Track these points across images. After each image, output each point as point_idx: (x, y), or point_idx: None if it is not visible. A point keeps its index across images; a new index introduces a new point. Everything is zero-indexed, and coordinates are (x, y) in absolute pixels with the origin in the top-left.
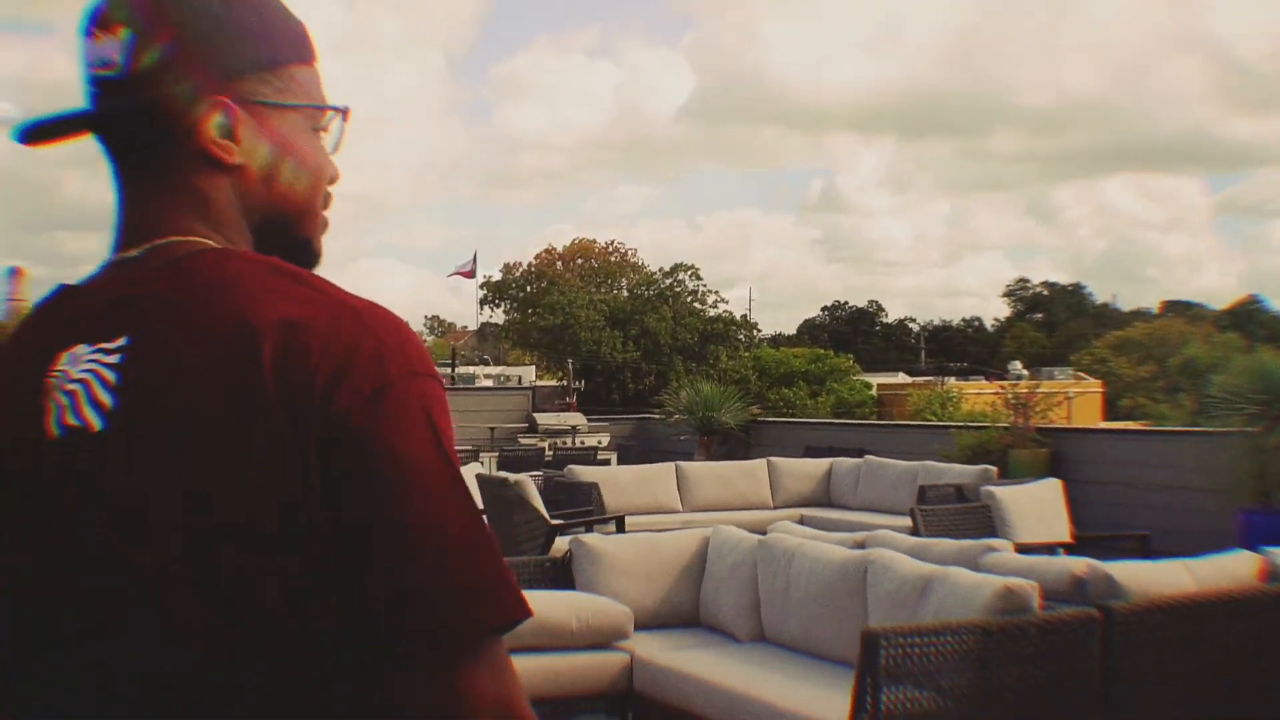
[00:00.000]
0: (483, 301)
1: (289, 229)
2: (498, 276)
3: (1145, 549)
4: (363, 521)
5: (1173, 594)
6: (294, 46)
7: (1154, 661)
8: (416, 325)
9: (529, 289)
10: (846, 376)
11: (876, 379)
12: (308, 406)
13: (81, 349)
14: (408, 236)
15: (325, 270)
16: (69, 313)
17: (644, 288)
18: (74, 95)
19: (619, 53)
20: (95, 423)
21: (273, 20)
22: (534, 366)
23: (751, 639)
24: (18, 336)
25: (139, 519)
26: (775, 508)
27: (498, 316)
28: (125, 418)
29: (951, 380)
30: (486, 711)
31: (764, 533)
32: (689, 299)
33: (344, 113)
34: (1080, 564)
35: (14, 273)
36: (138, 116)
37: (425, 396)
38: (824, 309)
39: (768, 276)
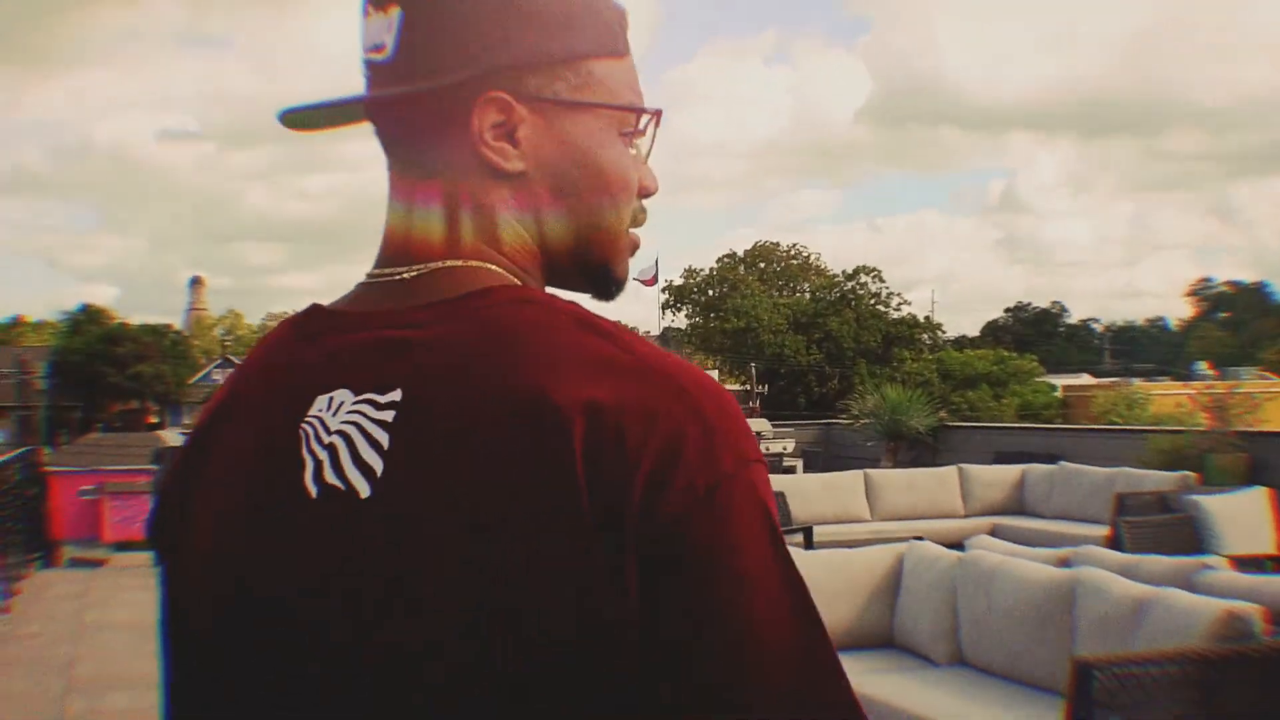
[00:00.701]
0: (664, 306)
1: (585, 253)
2: (679, 281)
3: None
4: (690, 641)
5: None
6: (600, 37)
7: None
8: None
9: (710, 293)
10: (1030, 378)
11: (1061, 380)
12: (624, 509)
13: (344, 395)
14: None
15: None
16: (328, 345)
17: (826, 291)
18: (261, 108)
19: (795, 57)
20: (362, 488)
21: (574, 4)
22: (717, 371)
23: (949, 662)
24: (266, 361)
25: (404, 608)
26: (966, 516)
27: (679, 321)
28: (395, 488)
29: (1137, 381)
30: None
31: (960, 546)
32: (871, 302)
33: (656, 115)
34: None
35: (195, 282)
36: (408, 108)
37: (758, 487)
38: (1006, 310)
39: (949, 279)
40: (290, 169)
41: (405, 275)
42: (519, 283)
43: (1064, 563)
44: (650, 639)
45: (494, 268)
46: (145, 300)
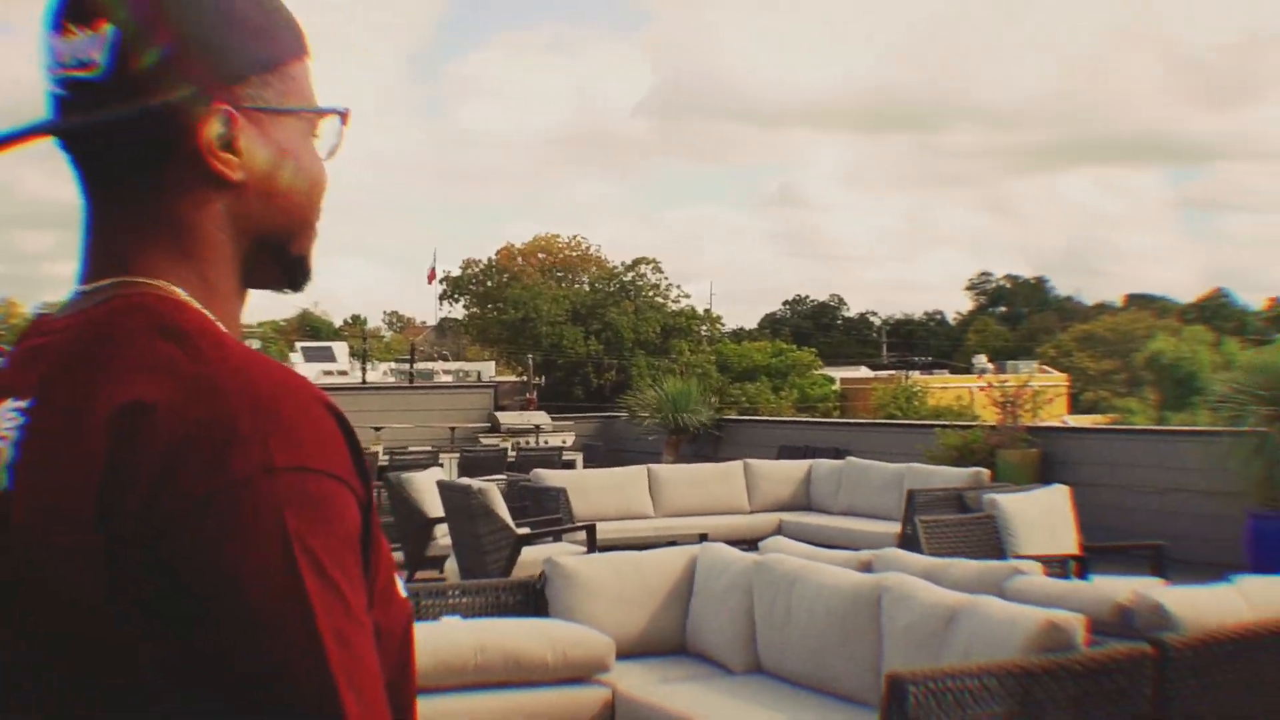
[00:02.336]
0: (442, 296)
1: (285, 247)
2: (457, 272)
3: (1160, 561)
4: (185, 674)
5: (1231, 625)
6: (294, 40)
7: (1213, 703)
8: (374, 321)
9: (489, 284)
10: (809, 371)
11: (839, 373)
12: (122, 510)
13: (10, 401)
14: (365, 233)
15: None
16: (14, 353)
17: (606, 282)
18: (35, 92)
19: (575, 49)
20: (3, 481)
21: (272, 11)
22: (494, 362)
23: (747, 670)
24: None
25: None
26: (752, 512)
27: (457, 311)
28: (13, 488)
29: (915, 374)
30: None
31: (749, 543)
32: (650, 293)
33: (344, 115)
34: (1125, 591)
35: None
36: (120, 127)
37: (286, 500)
38: (785, 303)
39: (727, 272)
40: (57, 152)
41: (87, 289)
42: (179, 291)
43: (866, 566)
44: (157, 647)
45: (158, 280)
46: None
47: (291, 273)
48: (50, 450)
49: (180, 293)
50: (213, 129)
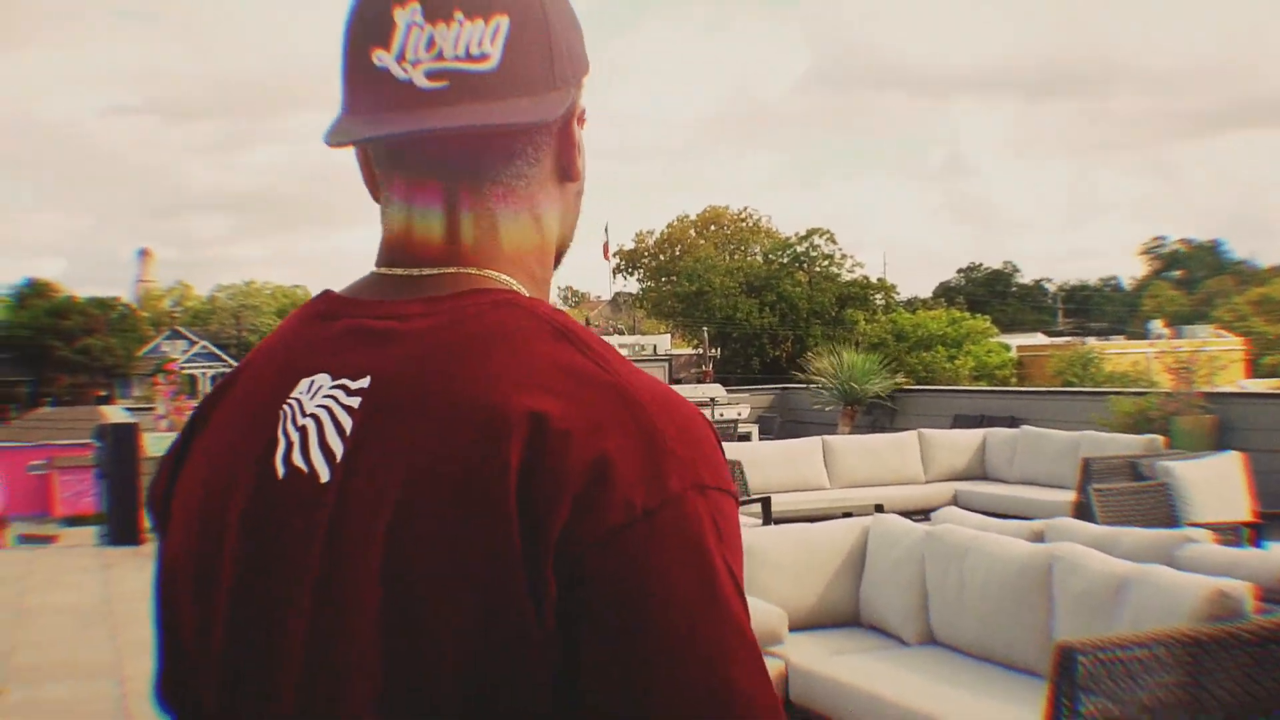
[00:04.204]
0: (615, 270)
1: (566, 241)
2: (630, 245)
3: None
4: (609, 677)
5: None
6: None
7: None
8: (550, 296)
9: (662, 257)
10: (984, 339)
11: (1015, 340)
12: (549, 523)
13: (323, 379)
14: None
15: None
16: (321, 332)
17: (778, 253)
18: (200, 82)
19: (734, 25)
20: (323, 472)
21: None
22: (669, 335)
23: (920, 641)
24: (272, 344)
25: (339, 598)
26: (927, 482)
27: (631, 285)
28: (349, 476)
29: (1092, 340)
30: None
31: (923, 514)
32: (824, 264)
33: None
34: None
35: (143, 254)
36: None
37: (706, 515)
38: (959, 271)
39: (897, 242)
40: (232, 142)
41: (418, 274)
42: (521, 288)
43: (1037, 536)
44: (564, 668)
45: (500, 275)
46: (92, 274)
47: (558, 262)
48: (411, 443)
49: (521, 289)
50: (577, 127)
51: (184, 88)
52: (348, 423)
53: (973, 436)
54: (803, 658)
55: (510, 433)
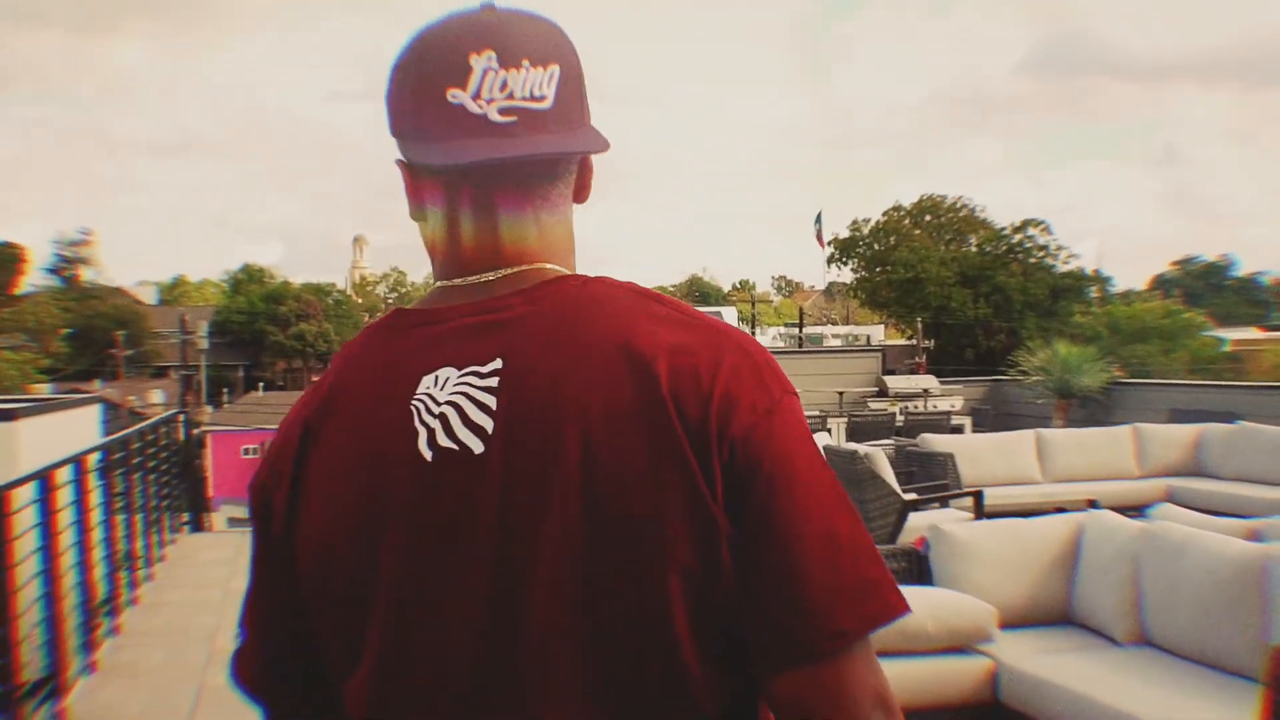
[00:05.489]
0: (830, 260)
1: None
2: (845, 234)
3: None
4: (765, 529)
5: None
6: None
7: None
8: (763, 285)
9: (876, 246)
10: (1198, 333)
11: (1230, 334)
12: (705, 425)
13: (448, 372)
14: (753, 198)
15: (672, 229)
16: (423, 335)
17: (993, 244)
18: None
19: (953, 9)
20: (475, 446)
21: None
22: (882, 325)
23: (1132, 640)
24: (364, 356)
25: (527, 532)
26: (1141, 478)
27: (845, 275)
28: (508, 438)
29: None
30: (868, 702)
31: (1137, 509)
32: (1039, 254)
33: None
34: None
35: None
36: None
37: (799, 412)
38: (1173, 263)
39: (1113, 231)
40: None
41: (490, 278)
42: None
43: (1254, 535)
44: (736, 532)
45: (559, 267)
46: (310, 259)
47: None
48: (564, 395)
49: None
50: (592, 156)
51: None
52: (490, 400)
53: (1188, 432)
54: (1013, 656)
55: (656, 363)
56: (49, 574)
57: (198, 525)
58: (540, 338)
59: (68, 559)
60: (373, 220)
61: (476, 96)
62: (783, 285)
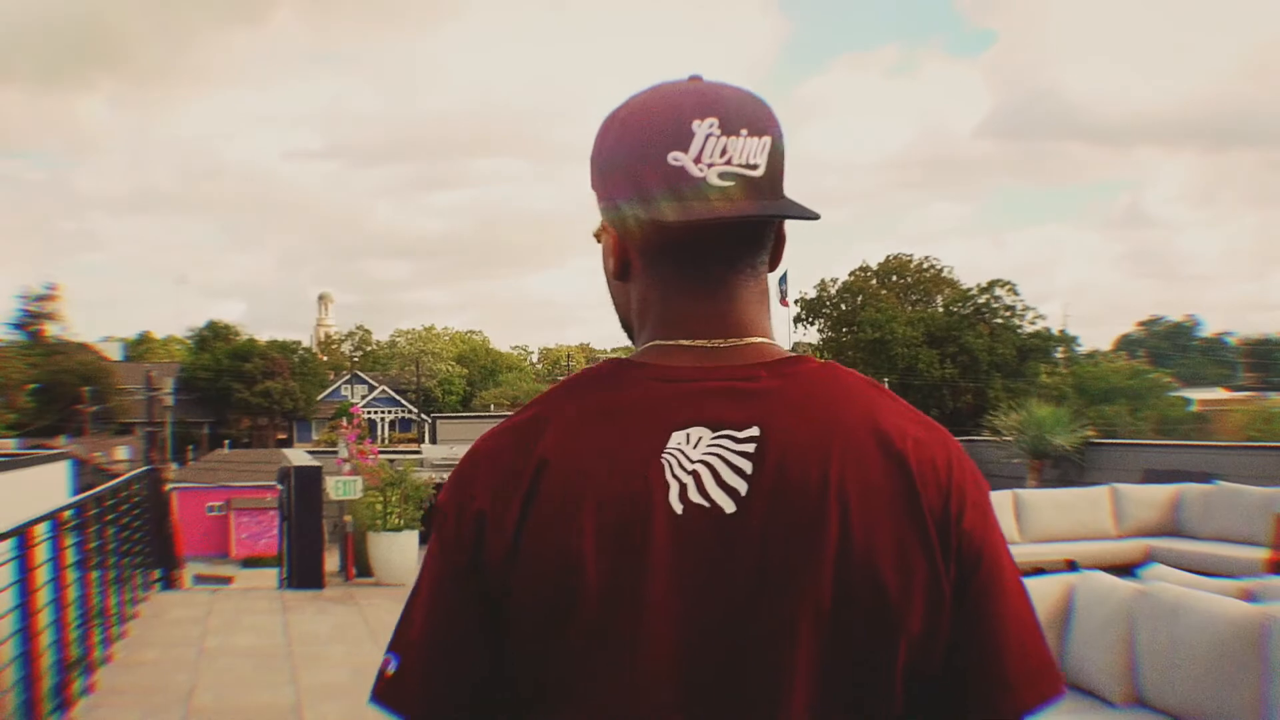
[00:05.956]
0: (796, 320)
1: None
2: (812, 294)
3: None
4: (980, 611)
5: None
6: None
7: None
8: None
9: (843, 306)
10: (1164, 393)
11: (1196, 394)
12: (945, 516)
13: (701, 431)
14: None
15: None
16: (671, 391)
17: (960, 304)
18: (385, 126)
19: (918, 71)
20: (726, 506)
21: None
22: None
23: (1126, 703)
24: (596, 401)
25: (785, 599)
26: (1119, 537)
27: (811, 335)
28: (758, 503)
29: (1275, 395)
30: None
31: (1121, 569)
32: (1005, 315)
33: None
34: None
35: (322, 298)
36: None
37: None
38: (1139, 324)
39: (1078, 292)
40: (415, 186)
41: (720, 345)
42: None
43: (1247, 595)
44: (956, 619)
45: (773, 342)
46: (273, 317)
47: None
48: (818, 472)
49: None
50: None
51: (368, 131)
52: (745, 465)
53: (1165, 492)
54: None
55: (905, 452)
56: (25, 631)
57: (169, 582)
58: (795, 412)
59: (43, 616)
60: (336, 277)
61: (698, 160)
62: None
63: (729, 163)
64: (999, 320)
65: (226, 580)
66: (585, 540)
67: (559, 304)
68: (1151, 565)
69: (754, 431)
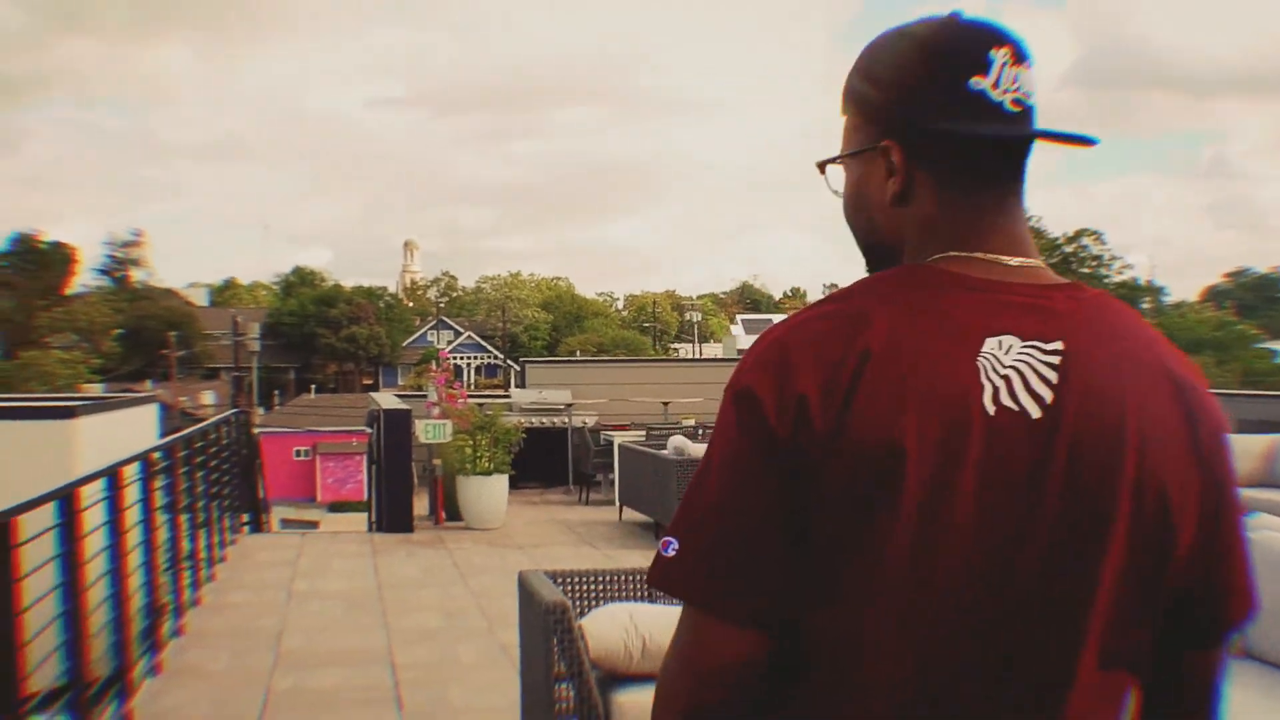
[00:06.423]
0: None
1: None
2: None
3: None
4: (1228, 536)
5: None
6: None
7: None
8: (814, 292)
9: None
10: (1251, 344)
11: None
12: (1217, 457)
13: (1011, 340)
14: (801, 208)
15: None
16: (982, 301)
17: (1047, 254)
18: (466, 75)
19: (1001, 20)
20: (1033, 410)
21: None
22: None
23: (1236, 654)
24: (911, 301)
25: (1096, 505)
26: None
27: None
28: (1067, 411)
29: None
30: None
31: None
32: (1093, 264)
33: None
34: None
35: (406, 246)
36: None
37: None
38: (1226, 275)
39: (1162, 243)
40: (497, 134)
41: (1019, 264)
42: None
43: None
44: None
45: (1047, 268)
46: (358, 264)
47: None
48: (1115, 388)
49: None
50: None
51: (450, 79)
52: (1050, 375)
53: (1262, 442)
54: None
55: (1184, 391)
56: (116, 573)
57: (257, 526)
58: (1091, 334)
59: (134, 558)
60: (420, 225)
61: (995, 86)
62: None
63: (1019, 91)
64: (1086, 270)
65: (313, 524)
66: (909, 435)
67: (641, 252)
68: (1255, 515)
69: (1058, 345)
